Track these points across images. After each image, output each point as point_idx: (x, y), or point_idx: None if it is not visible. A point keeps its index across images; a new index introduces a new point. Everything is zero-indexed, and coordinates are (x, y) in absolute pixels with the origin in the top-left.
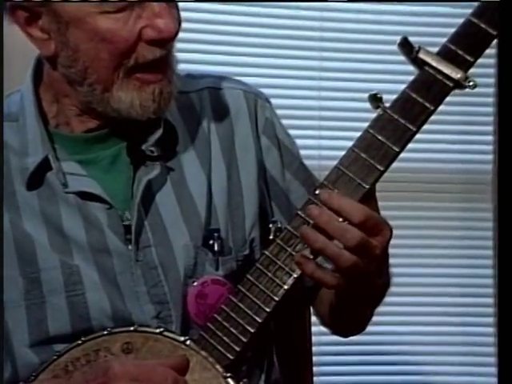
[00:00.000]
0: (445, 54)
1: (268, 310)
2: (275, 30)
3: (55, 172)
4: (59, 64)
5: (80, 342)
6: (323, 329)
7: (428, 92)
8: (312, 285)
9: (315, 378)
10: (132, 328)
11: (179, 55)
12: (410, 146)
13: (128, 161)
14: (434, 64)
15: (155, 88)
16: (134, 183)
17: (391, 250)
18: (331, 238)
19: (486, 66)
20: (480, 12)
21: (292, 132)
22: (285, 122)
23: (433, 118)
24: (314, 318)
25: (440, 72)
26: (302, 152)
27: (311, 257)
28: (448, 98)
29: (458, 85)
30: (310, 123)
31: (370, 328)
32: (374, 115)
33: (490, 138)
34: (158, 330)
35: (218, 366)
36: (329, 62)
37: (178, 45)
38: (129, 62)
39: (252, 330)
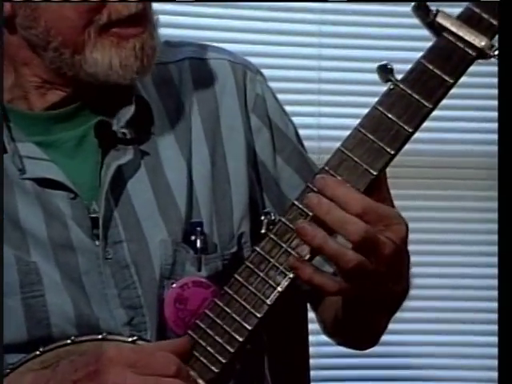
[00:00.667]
0: (467, 18)
1: (259, 315)
2: None
3: (10, 155)
4: (18, 26)
5: (38, 352)
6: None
7: (447, 62)
8: (310, 288)
9: None
10: (100, 336)
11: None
12: (425, 124)
13: (96, 143)
14: (454, 30)
15: (136, 43)
16: (102, 169)
17: None
18: (333, 232)
19: None
20: None
21: (287, 108)
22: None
23: (452, 91)
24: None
25: (461, 39)
26: (300, 132)
27: (308, 256)
28: (470, 69)
29: (482, 54)
30: (308, 98)
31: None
32: (383, 89)
33: None
34: (130, 339)
35: (200, 381)
36: (330, 26)
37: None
38: (100, 18)
39: (240, 339)
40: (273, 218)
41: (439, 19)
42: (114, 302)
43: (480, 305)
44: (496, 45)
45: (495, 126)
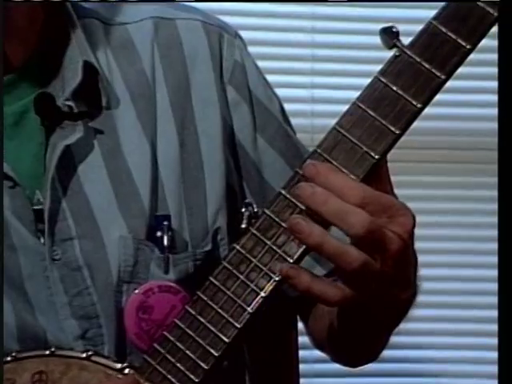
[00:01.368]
0: None
1: (239, 325)
2: None
3: None
4: None
5: None
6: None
7: (463, 24)
8: (299, 294)
9: None
10: (47, 352)
11: None
12: (436, 98)
13: (38, 121)
14: None
15: None
16: (46, 152)
17: None
18: (327, 228)
19: None
20: None
21: (273, 78)
22: (263, 64)
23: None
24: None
25: None
26: (290, 107)
27: (297, 255)
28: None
29: None
30: (300, 66)
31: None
32: (387, 56)
33: None
34: (84, 355)
35: None
36: None
37: None
38: None
39: (216, 354)
40: (255, 210)
41: None
42: (64, 312)
43: (481, 314)
44: None
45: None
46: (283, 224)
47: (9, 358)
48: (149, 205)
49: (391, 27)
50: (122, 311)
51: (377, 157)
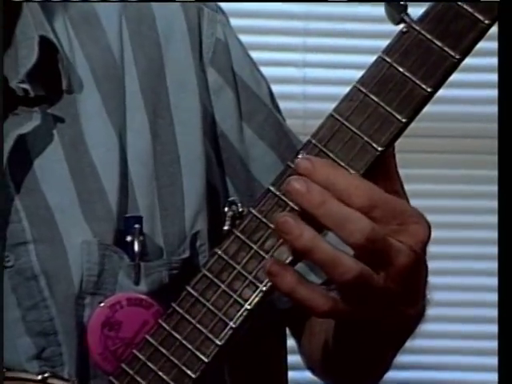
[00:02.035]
0: None
1: (220, 342)
2: None
3: None
4: None
5: None
6: None
7: None
8: (290, 306)
9: None
10: None
11: None
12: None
13: None
14: None
15: None
16: None
17: None
18: (323, 231)
19: None
20: None
21: (259, 55)
22: (247, 39)
23: None
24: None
25: None
26: (279, 89)
27: (288, 261)
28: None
29: None
30: (291, 41)
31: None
32: (393, 30)
33: None
34: (39, 377)
35: None
36: None
37: None
38: None
39: (193, 376)
40: (240, 209)
41: None
42: (17, 328)
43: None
44: None
45: None
46: (272, 225)
47: None
48: (117, 205)
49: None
50: (84, 327)
51: (380, 149)
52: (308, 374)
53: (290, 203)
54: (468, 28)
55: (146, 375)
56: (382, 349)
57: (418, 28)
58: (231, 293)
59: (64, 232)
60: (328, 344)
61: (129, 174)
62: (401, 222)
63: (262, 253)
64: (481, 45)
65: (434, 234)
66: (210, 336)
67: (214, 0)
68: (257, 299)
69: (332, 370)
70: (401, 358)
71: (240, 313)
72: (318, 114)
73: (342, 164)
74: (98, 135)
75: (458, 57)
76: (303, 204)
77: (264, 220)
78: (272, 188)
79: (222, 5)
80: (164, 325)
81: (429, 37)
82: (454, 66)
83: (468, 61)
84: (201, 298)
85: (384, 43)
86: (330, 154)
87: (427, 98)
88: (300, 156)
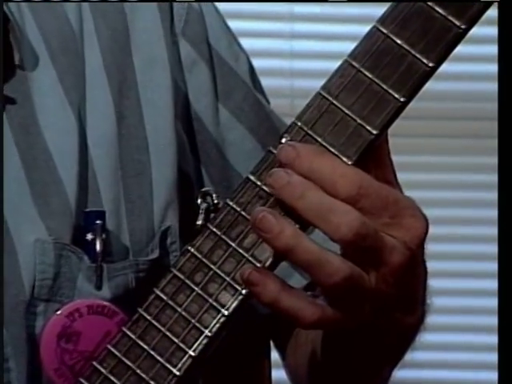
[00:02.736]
0: None
1: (193, 353)
2: None
3: None
4: None
5: None
6: None
7: None
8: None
9: None
10: None
11: None
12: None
13: None
14: None
15: None
16: None
17: None
18: (307, 227)
19: None
20: None
21: (239, 25)
22: (226, 8)
23: None
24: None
25: None
26: (263, 64)
27: (270, 261)
28: None
29: None
30: (277, 9)
31: None
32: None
33: None
34: None
35: None
36: None
37: None
38: None
39: None
40: (215, 201)
41: None
42: None
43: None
44: None
45: None
46: None
47: None
48: (75, 198)
49: None
50: (37, 339)
51: (375, 132)
52: None
53: (272, 195)
54: None
55: None
56: (376, 363)
57: None
58: (206, 297)
59: (14, 229)
60: (315, 356)
61: (89, 161)
62: (393, 215)
63: (241, 251)
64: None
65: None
66: (182, 346)
67: (209, 0)
68: (235, 304)
69: None
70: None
71: (216, 319)
72: (308, 92)
73: (332, 150)
74: (54, 117)
75: (463, 26)
76: (283, 197)
77: (243, 213)
78: (252, 177)
79: None
80: (128, 333)
81: (430, 4)
82: (459, 38)
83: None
84: (171, 303)
85: (380, 11)
86: (318, 139)
87: (428, 74)
88: (283, 141)
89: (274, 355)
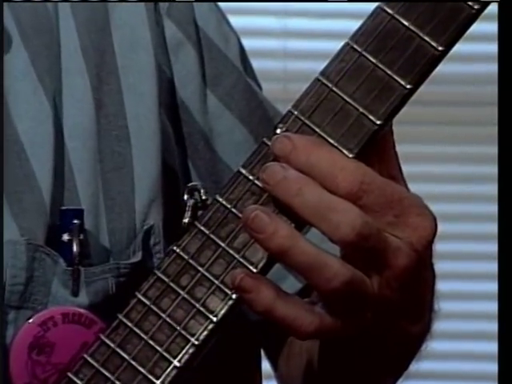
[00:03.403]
0: None
1: (179, 363)
2: None
3: None
4: None
5: None
6: None
7: None
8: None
9: None
10: None
11: None
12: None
13: None
14: None
15: None
16: None
17: None
18: (304, 226)
19: None
20: None
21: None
22: None
23: None
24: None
25: None
26: (254, 44)
27: (263, 263)
28: None
29: None
30: None
31: None
32: None
33: None
34: None
35: None
36: None
37: None
38: None
39: None
40: (203, 197)
41: None
42: None
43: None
44: None
45: None
46: None
47: None
48: (50, 194)
49: None
50: (6, 350)
51: (379, 122)
52: None
53: (266, 190)
54: None
55: None
56: (378, 374)
57: None
58: (193, 301)
59: None
60: (311, 367)
61: (65, 154)
62: (398, 213)
63: (231, 252)
64: None
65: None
66: (166, 355)
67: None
68: (225, 310)
69: None
70: None
71: (204, 327)
72: (304, 75)
73: (331, 141)
74: (26, 104)
75: (476, 7)
76: (278, 194)
77: (233, 211)
78: (243, 171)
79: None
80: (107, 341)
81: None
82: (471, 19)
83: None
84: (154, 308)
85: None
86: (316, 129)
87: (437, 58)
88: (278, 131)
89: (265, 366)
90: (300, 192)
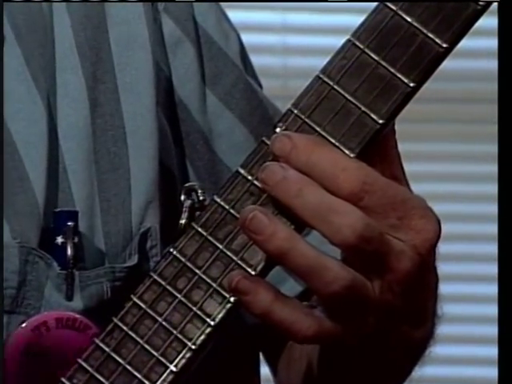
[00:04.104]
0: None
1: (175, 368)
2: None
3: None
4: None
5: None
6: None
7: None
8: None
9: None
10: None
11: None
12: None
13: None
14: None
15: None
16: None
17: None
18: (304, 229)
19: None
20: None
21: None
22: None
23: None
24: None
25: None
26: (253, 39)
27: (261, 265)
28: None
29: None
30: None
31: None
32: None
33: None
34: None
35: None
36: None
37: None
38: None
39: None
40: (201, 198)
41: None
42: None
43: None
44: None
45: None
46: None
47: None
48: (44, 196)
49: None
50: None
51: (380, 121)
52: None
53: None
54: None
55: None
56: (381, 380)
57: None
58: (190, 305)
59: None
60: (311, 372)
61: (60, 155)
62: (401, 215)
63: (229, 254)
64: None
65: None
66: (163, 360)
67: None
68: (223, 313)
69: None
70: None
71: (201, 331)
72: (304, 72)
73: (332, 141)
74: (19, 104)
75: (481, 3)
76: (277, 194)
77: (232, 211)
78: (242, 171)
79: None
80: (102, 345)
81: None
82: (476, 16)
83: None
84: (150, 312)
85: None
86: (317, 128)
87: (441, 56)
88: (278, 130)
89: (264, 370)
90: (300, 193)
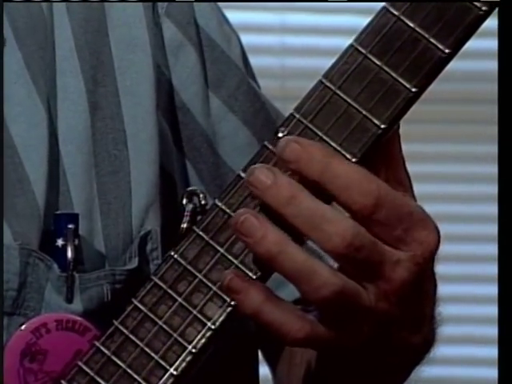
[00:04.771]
0: None
1: (175, 372)
2: None
3: None
4: None
5: None
6: None
7: None
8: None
9: None
10: None
11: None
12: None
13: None
14: None
15: None
16: None
17: None
18: (298, 235)
19: None
20: None
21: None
22: None
23: None
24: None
25: None
26: (250, 40)
27: (255, 271)
28: None
29: None
30: None
31: None
32: None
33: None
34: None
35: None
36: None
37: None
38: None
39: None
40: (202, 202)
41: None
42: None
43: None
44: None
45: None
46: None
47: None
48: (44, 199)
49: None
50: None
51: (383, 126)
52: None
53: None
54: None
55: None
56: None
57: None
58: (190, 308)
59: None
60: (310, 378)
61: (60, 158)
62: (407, 227)
63: (230, 257)
64: None
65: None
66: (163, 363)
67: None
68: (223, 317)
69: None
70: None
71: (201, 334)
72: (301, 73)
73: (334, 145)
74: (20, 107)
75: (484, 8)
76: (267, 200)
77: (233, 215)
78: (243, 174)
79: None
80: (102, 348)
81: None
82: (479, 21)
83: None
84: (151, 315)
85: None
86: (319, 133)
87: (444, 61)
88: (280, 135)
89: (264, 370)
90: (292, 201)
